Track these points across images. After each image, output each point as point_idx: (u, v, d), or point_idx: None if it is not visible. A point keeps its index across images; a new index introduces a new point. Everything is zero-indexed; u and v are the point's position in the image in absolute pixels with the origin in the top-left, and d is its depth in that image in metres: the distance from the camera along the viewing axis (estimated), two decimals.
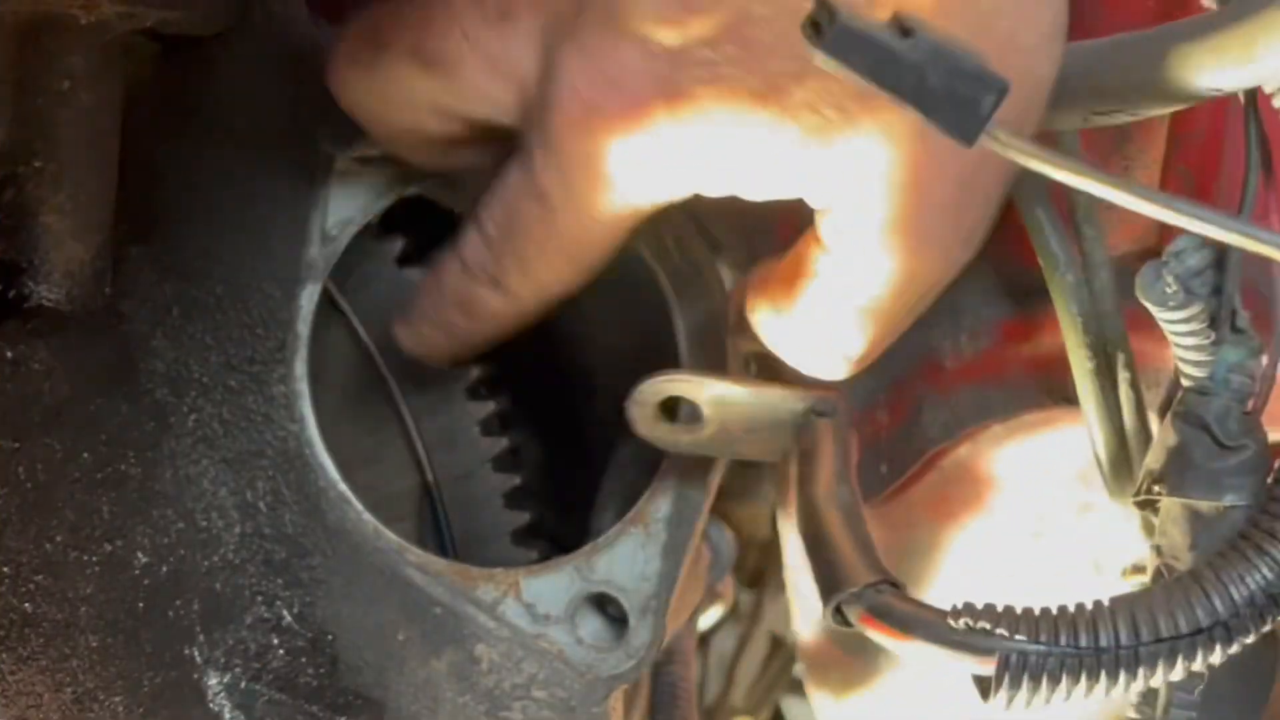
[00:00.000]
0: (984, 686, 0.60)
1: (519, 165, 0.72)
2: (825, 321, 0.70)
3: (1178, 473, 0.64)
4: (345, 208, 0.82)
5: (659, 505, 0.81)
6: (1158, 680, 0.58)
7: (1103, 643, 0.57)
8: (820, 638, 1.09)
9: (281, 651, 0.82)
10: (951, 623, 0.59)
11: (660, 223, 0.79)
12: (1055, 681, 0.58)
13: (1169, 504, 0.65)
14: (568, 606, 0.81)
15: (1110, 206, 0.87)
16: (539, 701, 0.81)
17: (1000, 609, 0.59)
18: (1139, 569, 0.90)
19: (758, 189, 0.69)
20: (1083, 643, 0.57)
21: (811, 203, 0.68)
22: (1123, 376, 0.78)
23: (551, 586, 0.81)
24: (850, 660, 1.07)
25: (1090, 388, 0.79)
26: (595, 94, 0.67)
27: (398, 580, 0.82)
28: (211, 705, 0.80)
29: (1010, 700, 0.58)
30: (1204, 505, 0.63)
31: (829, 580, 0.64)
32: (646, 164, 0.68)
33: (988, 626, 0.59)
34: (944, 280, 0.70)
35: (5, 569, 0.71)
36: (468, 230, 0.77)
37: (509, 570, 0.82)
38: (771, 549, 1.27)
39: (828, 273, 0.69)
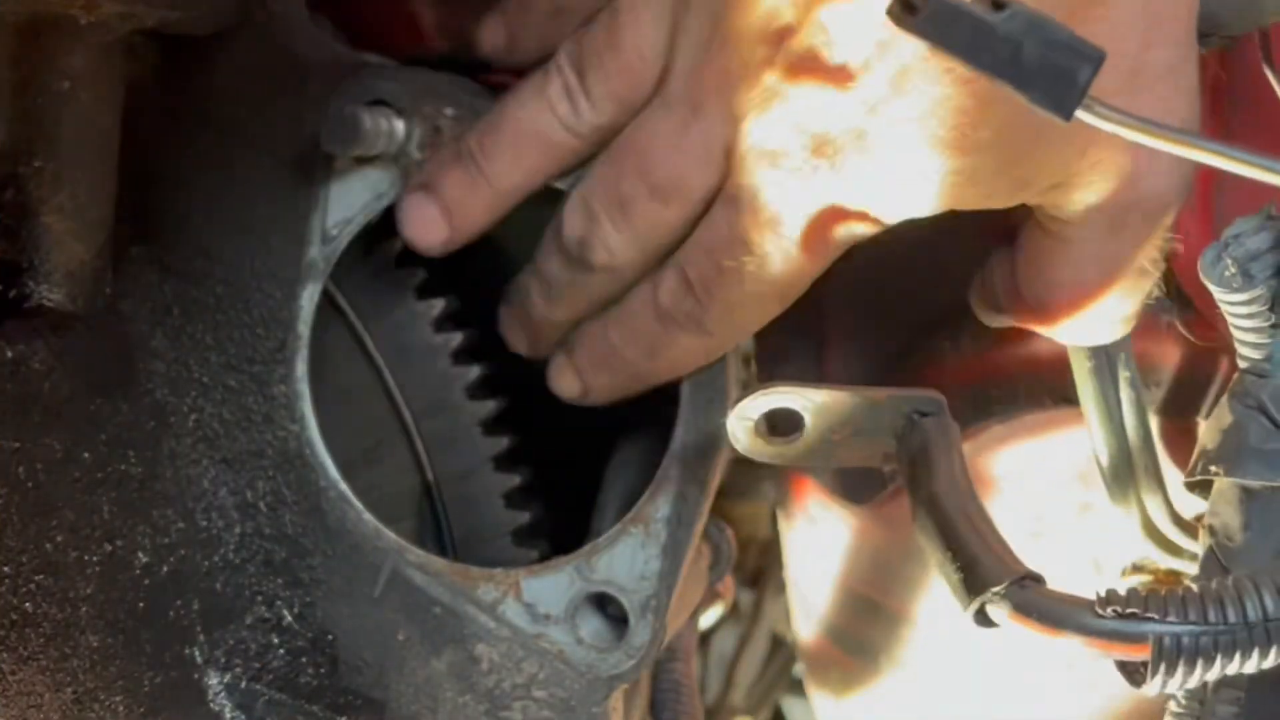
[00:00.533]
0: (1133, 673, 0.59)
1: (724, 217, 0.73)
2: (1104, 301, 0.72)
3: (1233, 453, 0.64)
4: (345, 208, 0.82)
5: (659, 505, 0.81)
6: None
7: (1250, 617, 0.57)
8: (820, 638, 1.09)
9: (282, 651, 0.82)
10: (1100, 612, 0.58)
11: None
12: (1210, 660, 0.57)
13: (1222, 484, 0.65)
14: (568, 606, 0.81)
15: None
16: (539, 701, 0.81)
17: (1144, 593, 0.59)
18: (1139, 568, 0.90)
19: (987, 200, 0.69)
20: (1231, 619, 0.57)
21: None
22: (1123, 376, 0.78)
23: (551, 586, 0.81)
24: (850, 660, 1.07)
25: (1090, 388, 0.79)
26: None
27: (398, 580, 0.82)
28: (212, 705, 0.80)
29: (1165, 684, 0.58)
30: (1258, 485, 0.63)
31: (970, 579, 0.62)
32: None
33: (1136, 612, 0.58)
34: (1181, 192, 0.70)
35: (5, 569, 0.71)
36: (664, 277, 0.77)
37: (509, 570, 0.82)
38: (771, 549, 1.27)
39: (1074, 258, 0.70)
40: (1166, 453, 0.84)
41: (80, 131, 0.74)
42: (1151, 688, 0.58)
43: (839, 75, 0.66)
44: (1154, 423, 0.81)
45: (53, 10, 0.69)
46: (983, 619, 0.62)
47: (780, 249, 0.72)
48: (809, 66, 0.66)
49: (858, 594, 1.05)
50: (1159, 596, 0.58)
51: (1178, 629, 0.57)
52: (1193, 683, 0.58)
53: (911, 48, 0.62)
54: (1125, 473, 0.81)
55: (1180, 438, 0.86)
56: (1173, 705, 0.66)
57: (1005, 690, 0.99)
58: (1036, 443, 0.89)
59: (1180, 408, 0.88)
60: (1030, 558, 0.93)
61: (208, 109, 0.83)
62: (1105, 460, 0.81)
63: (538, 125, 0.78)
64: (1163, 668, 0.57)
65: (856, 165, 0.68)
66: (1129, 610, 0.58)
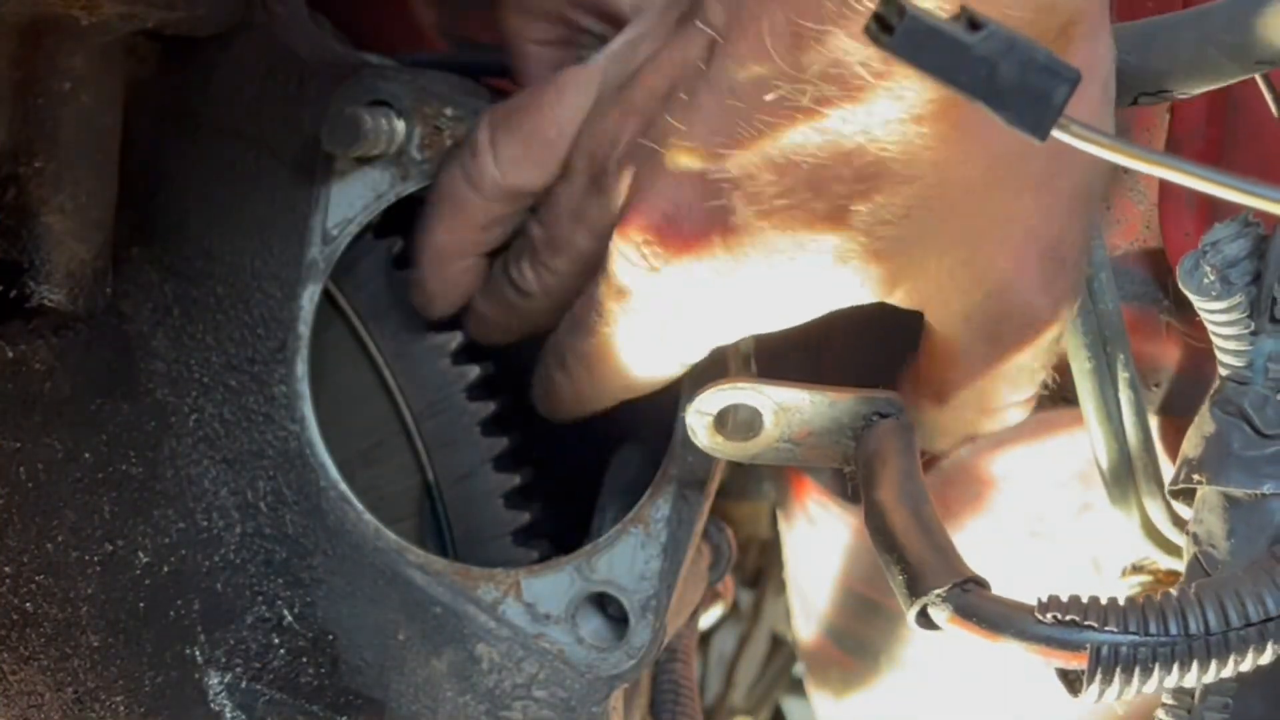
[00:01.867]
0: (1071, 681, 0.59)
1: (599, 280, 0.74)
2: (990, 396, 0.73)
3: (1216, 461, 0.64)
4: (345, 208, 0.82)
5: (659, 505, 0.81)
6: (1248, 664, 0.57)
7: (1192, 629, 0.56)
8: (820, 638, 1.09)
9: (282, 651, 0.82)
10: (1040, 617, 0.58)
11: None
12: (1147, 672, 0.57)
13: (1206, 492, 0.65)
14: (568, 606, 0.81)
15: (1108, 207, 0.88)
16: (539, 701, 0.81)
17: (1086, 600, 0.58)
18: (1139, 569, 0.90)
19: (819, 306, 0.70)
20: (1172, 630, 0.56)
21: (901, 304, 0.69)
22: (1123, 376, 0.78)
23: (552, 586, 0.81)
24: (850, 660, 1.07)
25: (1090, 388, 0.79)
26: (653, 229, 0.68)
27: (398, 580, 0.82)
28: (212, 705, 0.80)
29: (1101, 694, 0.57)
30: (1241, 493, 0.63)
31: (911, 583, 0.61)
32: (704, 300, 0.70)
33: (1076, 619, 0.57)
34: (1056, 309, 0.71)
35: (6, 568, 0.71)
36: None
37: (509, 570, 0.82)
38: (771, 549, 1.27)
39: (961, 359, 0.71)
40: (1166, 453, 0.84)
41: (81, 132, 0.74)
42: (1088, 696, 0.58)
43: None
44: (1154, 423, 0.81)
45: (54, 11, 0.69)
46: (924, 621, 0.61)
47: (629, 329, 0.73)
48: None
49: (857, 594, 1.05)
50: (1100, 606, 0.58)
51: (1117, 638, 0.57)
52: (1130, 694, 0.58)
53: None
54: (1125, 473, 0.81)
55: (1180, 438, 0.86)
56: (1160, 714, 0.66)
57: (1005, 690, 0.99)
58: (1036, 443, 0.89)
59: (1180, 408, 0.88)
60: (1030, 558, 0.94)
61: (208, 109, 0.83)
62: (1105, 461, 0.81)
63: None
64: (1099, 676, 0.57)
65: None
66: (1068, 617, 0.58)
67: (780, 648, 1.59)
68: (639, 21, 0.75)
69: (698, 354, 0.74)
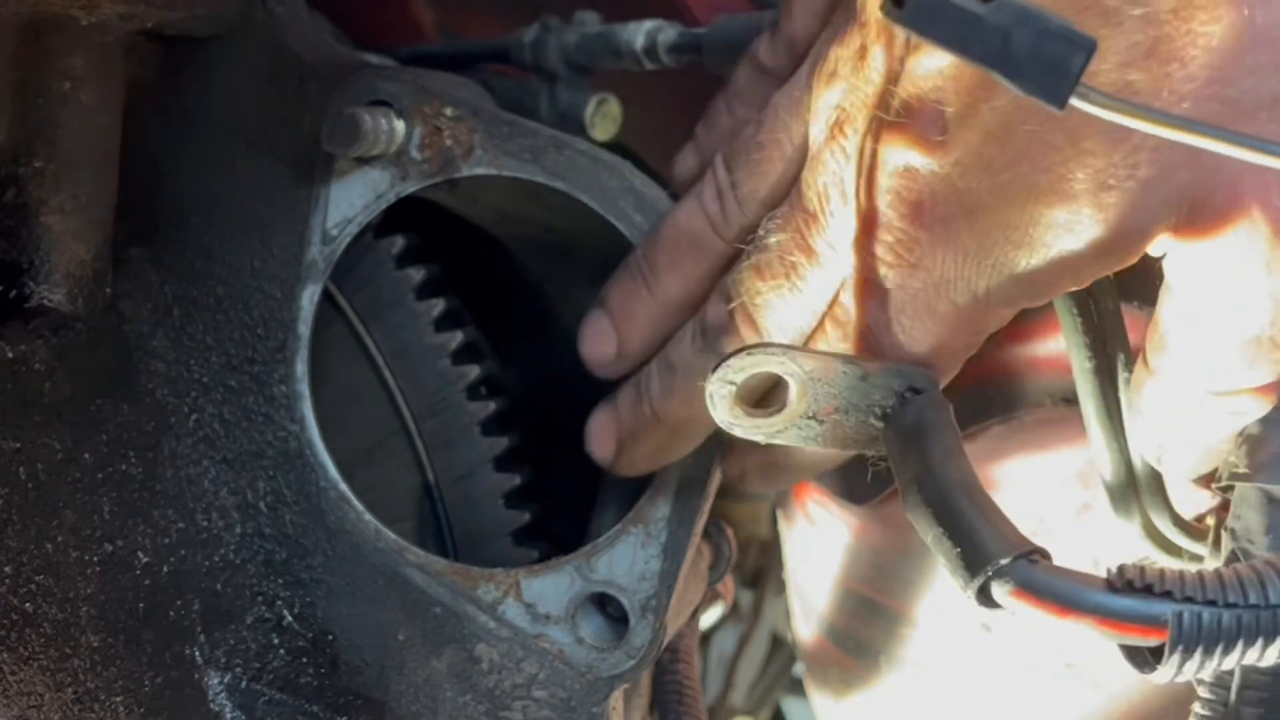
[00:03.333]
0: (1141, 659, 0.55)
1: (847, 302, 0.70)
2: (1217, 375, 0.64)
3: (1256, 459, 0.64)
4: (345, 208, 0.82)
5: (659, 505, 0.81)
6: None
7: (1273, 599, 0.53)
8: (820, 638, 1.09)
9: (282, 651, 0.82)
10: (1114, 586, 0.54)
11: None
12: (1231, 644, 0.53)
13: (1245, 489, 0.65)
14: (568, 606, 0.81)
15: None
16: (539, 701, 0.81)
17: (1159, 568, 0.54)
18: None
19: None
20: (1252, 599, 0.53)
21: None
22: (1123, 377, 0.78)
23: (552, 586, 0.81)
24: (850, 661, 1.07)
25: (1090, 388, 0.79)
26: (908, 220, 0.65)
27: (398, 580, 0.82)
28: (212, 705, 0.80)
29: (1180, 668, 0.53)
30: None
31: (968, 557, 0.56)
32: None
33: (1153, 587, 0.53)
34: None
35: (6, 569, 0.71)
36: None
37: (509, 570, 0.82)
38: (771, 549, 1.27)
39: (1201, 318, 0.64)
40: None
41: (80, 132, 0.74)
42: (1164, 673, 0.54)
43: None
44: None
45: (53, 11, 0.69)
46: (985, 598, 0.56)
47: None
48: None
49: (857, 594, 1.05)
50: (1177, 573, 0.54)
51: (1198, 609, 0.53)
52: (1208, 670, 0.54)
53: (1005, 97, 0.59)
54: (1125, 474, 0.81)
55: None
56: (1196, 707, 0.65)
57: (1005, 691, 0.99)
58: (1036, 443, 0.89)
59: None
60: None
61: (208, 109, 0.83)
62: (1105, 462, 0.81)
63: (692, 229, 0.76)
64: (1180, 650, 0.53)
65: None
66: (1145, 584, 0.54)
67: (780, 648, 1.58)
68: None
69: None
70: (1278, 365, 0.62)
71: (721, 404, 0.66)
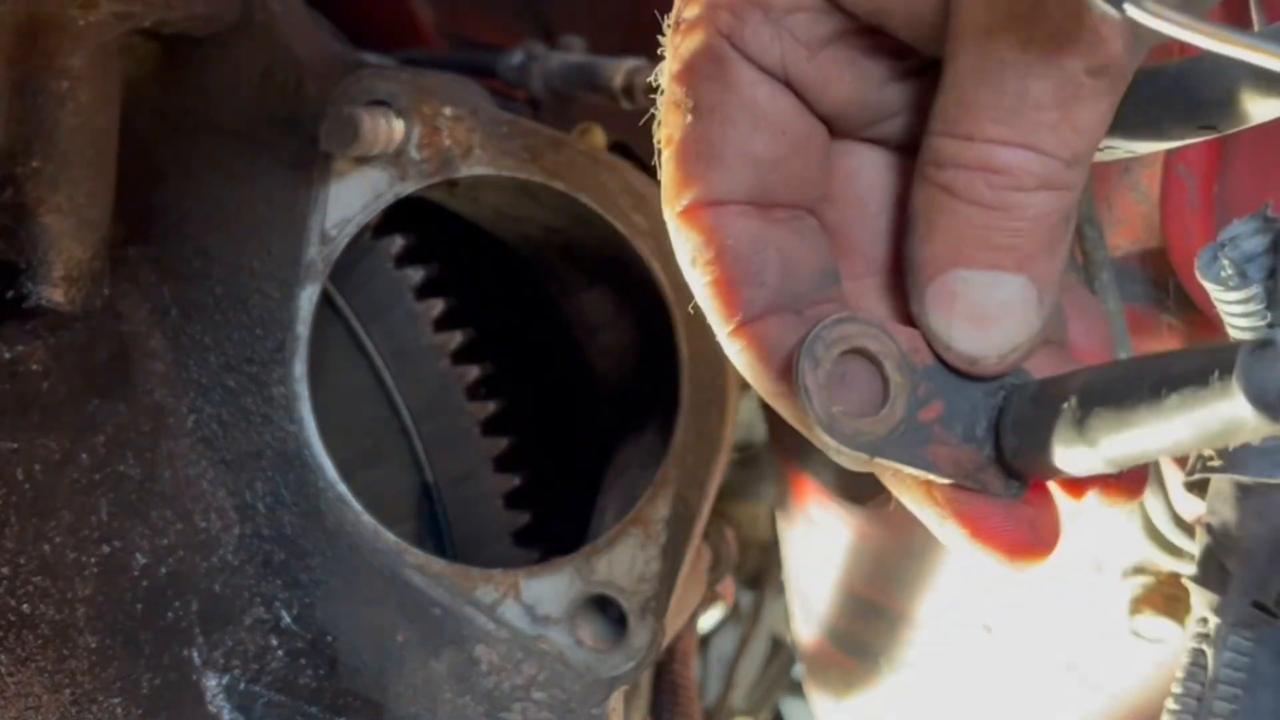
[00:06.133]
0: None
1: None
2: None
3: (1230, 452, 0.64)
4: (344, 208, 0.82)
5: (659, 506, 0.80)
6: None
7: None
8: (820, 639, 1.09)
9: (281, 653, 0.82)
10: None
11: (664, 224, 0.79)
12: None
13: (1220, 483, 0.65)
14: (568, 608, 0.81)
15: (1110, 207, 0.87)
16: (538, 703, 0.81)
17: None
18: (1140, 570, 0.90)
19: None
20: None
21: None
22: None
23: (551, 588, 0.81)
24: (850, 662, 1.07)
25: None
26: None
27: (397, 581, 0.82)
28: (210, 706, 0.80)
29: None
30: (1256, 483, 0.63)
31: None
32: None
33: None
34: None
35: (4, 570, 0.71)
36: None
37: (509, 571, 0.82)
38: (771, 549, 1.27)
39: None
40: None
41: (78, 132, 0.74)
42: None
43: None
44: None
45: (51, 11, 0.69)
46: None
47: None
48: None
49: (857, 595, 1.05)
50: None
51: None
52: None
53: None
54: None
55: None
56: (1169, 703, 0.65)
57: (1005, 691, 0.99)
58: None
59: None
60: None
61: (206, 109, 0.83)
62: None
63: None
64: None
65: None
66: None
67: (780, 649, 1.58)
68: None
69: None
70: None
71: (819, 400, 0.48)
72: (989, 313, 0.51)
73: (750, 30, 0.51)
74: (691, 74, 0.53)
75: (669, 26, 0.53)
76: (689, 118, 0.52)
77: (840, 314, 0.49)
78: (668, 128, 0.53)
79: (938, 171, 0.49)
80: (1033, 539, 0.58)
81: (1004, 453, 0.52)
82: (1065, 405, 0.49)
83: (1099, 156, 0.65)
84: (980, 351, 0.51)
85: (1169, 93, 0.61)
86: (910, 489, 0.52)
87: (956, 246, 0.50)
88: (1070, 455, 0.50)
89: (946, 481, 0.51)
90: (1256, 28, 0.66)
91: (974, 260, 0.50)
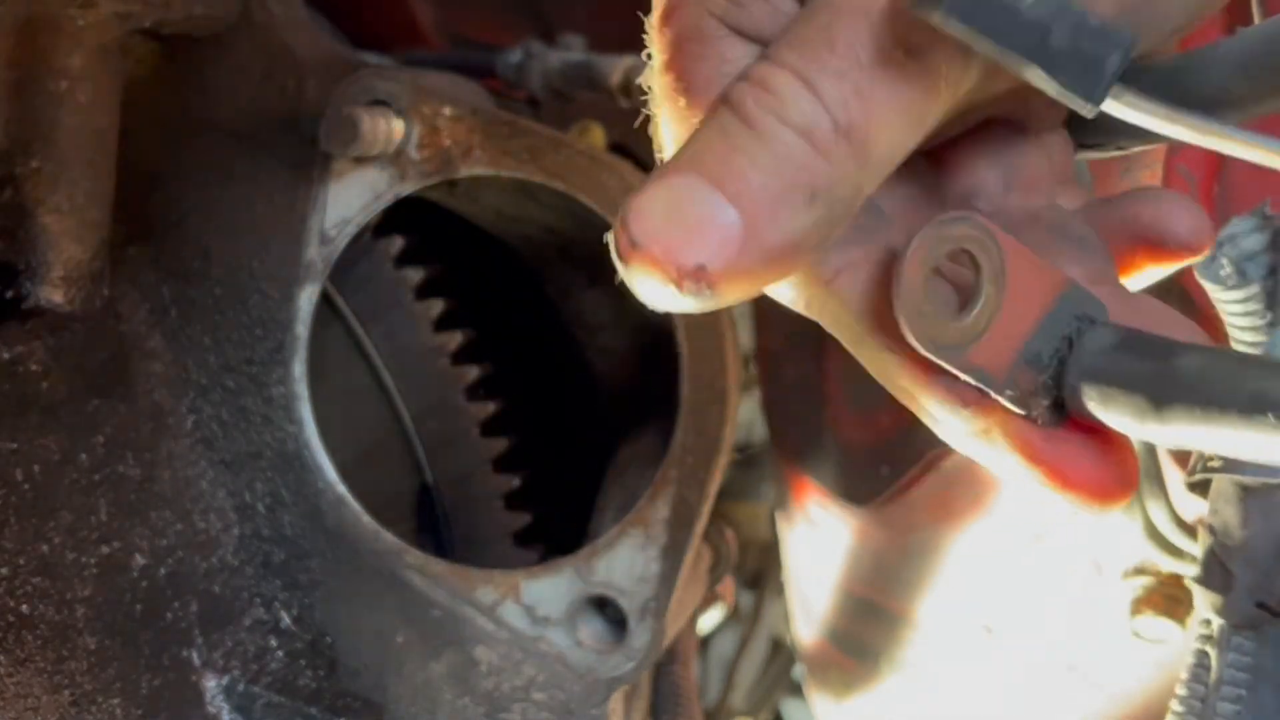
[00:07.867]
0: None
1: None
2: None
3: None
4: (343, 208, 0.82)
5: (658, 507, 0.80)
6: None
7: None
8: (820, 640, 1.09)
9: (280, 654, 0.82)
10: None
11: None
12: None
13: (1221, 483, 0.65)
14: (567, 609, 0.81)
15: None
16: (538, 704, 0.80)
17: None
18: (1141, 571, 0.90)
19: None
20: None
21: None
22: None
23: (551, 589, 0.81)
24: (850, 663, 1.07)
25: None
26: None
27: (397, 582, 0.81)
28: (210, 707, 0.80)
29: None
30: (1257, 483, 0.63)
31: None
32: None
33: None
34: None
35: (3, 570, 0.71)
36: None
37: (508, 572, 0.82)
38: (771, 549, 1.27)
39: None
40: (1168, 454, 0.84)
41: (78, 132, 0.74)
42: None
43: None
44: None
45: (50, 11, 0.69)
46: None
47: None
48: None
49: (857, 596, 1.05)
50: None
51: None
52: None
53: None
54: None
55: None
56: (1174, 704, 0.65)
57: (1005, 691, 0.99)
58: None
59: None
60: (1030, 558, 0.93)
61: (206, 109, 0.83)
62: None
63: None
64: None
65: None
66: None
67: (780, 650, 1.58)
68: None
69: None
70: None
71: (910, 299, 0.45)
72: (690, 224, 0.46)
73: (746, 9, 0.50)
74: (682, 57, 0.51)
75: (651, 26, 0.53)
76: (682, 100, 0.50)
77: (957, 214, 0.46)
78: (664, 124, 0.52)
79: (730, 86, 0.47)
80: (1122, 479, 0.55)
81: (1063, 387, 0.50)
82: (1153, 376, 0.46)
83: (1094, 154, 0.65)
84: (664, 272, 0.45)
85: (1160, 88, 0.61)
86: (996, 438, 0.50)
87: (701, 154, 0.46)
88: (1133, 423, 0.48)
89: (1001, 399, 0.48)
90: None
91: (707, 170, 0.46)
